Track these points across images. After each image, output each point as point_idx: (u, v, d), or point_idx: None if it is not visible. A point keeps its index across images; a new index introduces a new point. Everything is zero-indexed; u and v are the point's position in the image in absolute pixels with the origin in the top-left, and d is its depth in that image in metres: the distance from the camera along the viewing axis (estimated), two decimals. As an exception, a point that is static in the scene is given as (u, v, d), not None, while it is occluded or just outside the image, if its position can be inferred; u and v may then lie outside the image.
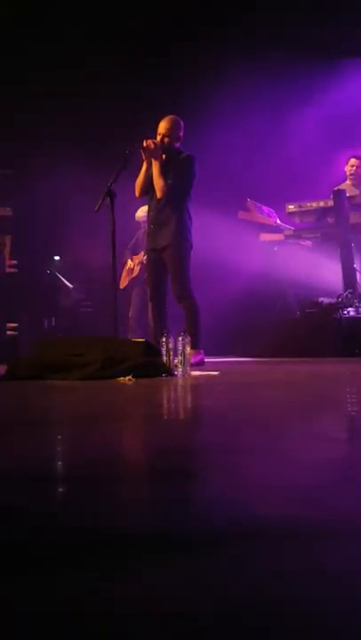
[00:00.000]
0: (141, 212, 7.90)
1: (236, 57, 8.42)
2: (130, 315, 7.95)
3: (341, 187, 7.81)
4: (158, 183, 5.56)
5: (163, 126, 5.63)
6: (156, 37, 8.53)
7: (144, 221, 7.86)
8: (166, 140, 5.59)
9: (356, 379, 4.33)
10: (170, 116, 5.69)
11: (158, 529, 1.03)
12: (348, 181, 7.97)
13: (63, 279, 9.51)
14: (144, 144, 5.52)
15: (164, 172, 5.56)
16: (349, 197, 7.43)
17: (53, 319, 9.49)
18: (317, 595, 0.76)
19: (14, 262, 9.13)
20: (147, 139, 5.55)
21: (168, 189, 5.56)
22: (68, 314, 9.59)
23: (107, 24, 8.57)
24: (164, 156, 5.59)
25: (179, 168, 5.60)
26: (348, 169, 7.99)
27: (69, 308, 9.67)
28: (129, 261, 8.10)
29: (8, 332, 8.89)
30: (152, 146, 5.51)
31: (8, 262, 9.10)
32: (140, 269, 8.02)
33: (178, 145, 5.70)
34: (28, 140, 8.66)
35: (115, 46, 8.58)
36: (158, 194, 5.59)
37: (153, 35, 8.55)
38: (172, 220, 5.60)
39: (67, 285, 9.54)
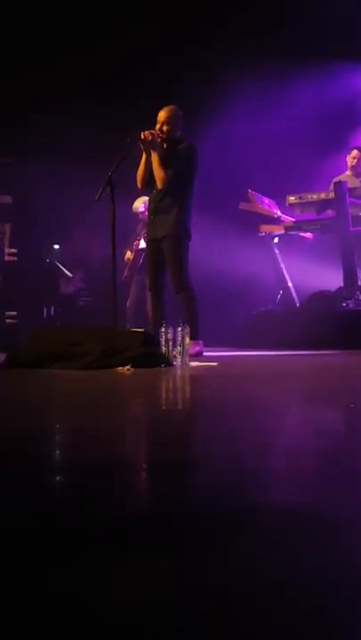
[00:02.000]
0: (138, 203, 7.88)
1: (238, 49, 8.39)
2: (127, 304, 7.94)
3: (342, 178, 7.78)
4: (158, 173, 5.52)
5: (162, 115, 5.58)
6: (157, 32, 8.51)
7: (141, 212, 7.84)
8: (165, 128, 5.55)
9: (356, 371, 4.32)
10: (169, 106, 5.65)
11: (157, 520, 1.02)
12: (348, 172, 7.95)
13: (63, 268, 9.49)
14: (142, 136, 5.47)
15: (164, 162, 5.52)
16: (350, 189, 7.40)
17: (53, 308, 9.48)
18: (318, 592, 0.75)
19: (14, 251, 9.12)
20: (144, 130, 5.50)
21: (168, 179, 5.52)
22: (67, 303, 9.58)
23: (107, 20, 8.55)
24: (165, 145, 5.56)
25: (179, 157, 5.56)
26: (349, 160, 7.96)
27: (69, 297, 9.67)
28: (128, 252, 8.08)
29: (7, 321, 8.89)
30: (150, 137, 5.47)
31: (8, 250, 9.09)
32: (133, 256, 8.01)
33: (179, 134, 5.67)
34: (28, 127, 8.64)
35: (116, 38, 8.56)
36: (158, 184, 5.55)
37: (154, 29, 8.52)
38: (172, 210, 5.57)
39: (66, 274, 9.53)
